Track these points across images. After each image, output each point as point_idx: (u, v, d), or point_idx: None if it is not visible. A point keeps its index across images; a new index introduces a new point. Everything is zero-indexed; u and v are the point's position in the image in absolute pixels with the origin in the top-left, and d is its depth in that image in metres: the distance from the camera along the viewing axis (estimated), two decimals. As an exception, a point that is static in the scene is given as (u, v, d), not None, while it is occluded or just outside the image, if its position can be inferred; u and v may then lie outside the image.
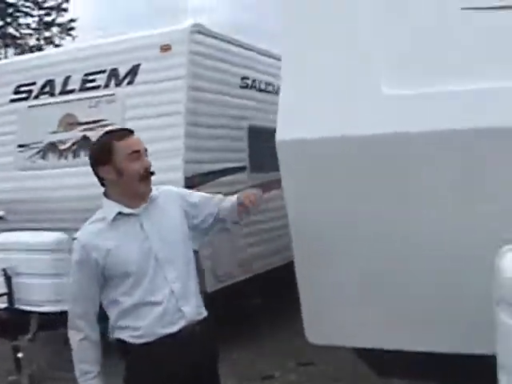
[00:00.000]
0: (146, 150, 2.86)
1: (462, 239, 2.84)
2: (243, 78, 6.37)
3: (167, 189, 3.04)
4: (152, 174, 2.85)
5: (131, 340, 2.77)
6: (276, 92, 6.49)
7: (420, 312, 3.02)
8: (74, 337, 2.83)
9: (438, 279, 2.94)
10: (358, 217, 3.05)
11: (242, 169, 6.19)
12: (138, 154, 2.80)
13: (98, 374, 2.82)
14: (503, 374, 2.32)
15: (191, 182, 5.31)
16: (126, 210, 2.80)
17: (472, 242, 2.82)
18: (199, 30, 5.69)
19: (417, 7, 2.97)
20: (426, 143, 2.86)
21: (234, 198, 3.10)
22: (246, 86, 6.42)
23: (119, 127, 3.46)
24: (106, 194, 2.88)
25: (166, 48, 5.58)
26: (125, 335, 2.79)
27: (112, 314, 2.83)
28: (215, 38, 5.92)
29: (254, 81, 6.55)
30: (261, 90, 6.69)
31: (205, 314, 2.94)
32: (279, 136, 3.11)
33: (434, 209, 2.89)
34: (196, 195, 3.16)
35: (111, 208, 2.81)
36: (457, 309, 2.91)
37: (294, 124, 3.10)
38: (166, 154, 5.28)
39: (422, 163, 2.90)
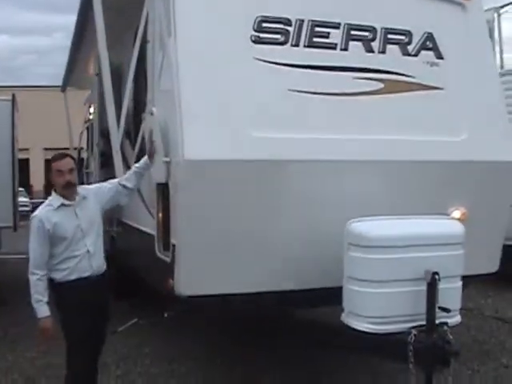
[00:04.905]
0: (71, 169, 4.62)
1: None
2: None
3: (89, 188, 5.01)
4: (73, 185, 4.63)
5: (59, 277, 4.54)
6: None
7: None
8: (32, 278, 4.47)
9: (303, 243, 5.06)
10: (235, 213, 4.95)
11: None
12: (61, 172, 4.56)
13: (46, 302, 4.45)
14: (346, 283, 4.77)
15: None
16: (66, 202, 4.62)
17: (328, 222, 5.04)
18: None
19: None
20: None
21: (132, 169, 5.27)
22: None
23: (61, 152, 4.89)
24: (55, 190, 4.66)
25: None
26: (56, 275, 4.55)
27: (50, 262, 4.53)
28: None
29: None
30: None
31: (105, 268, 4.82)
32: (187, 156, 4.82)
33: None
34: (103, 185, 5.14)
35: (57, 200, 4.62)
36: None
37: (199, 148, 4.88)
38: None
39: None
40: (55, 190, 4.65)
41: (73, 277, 4.54)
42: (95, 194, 4.86)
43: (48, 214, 4.54)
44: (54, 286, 4.57)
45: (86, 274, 4.59)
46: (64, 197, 4.61)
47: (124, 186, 5.10)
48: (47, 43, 67.25)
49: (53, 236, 4.49)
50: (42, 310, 4.45)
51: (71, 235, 4.54)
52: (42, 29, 75.47)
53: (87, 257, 4.60)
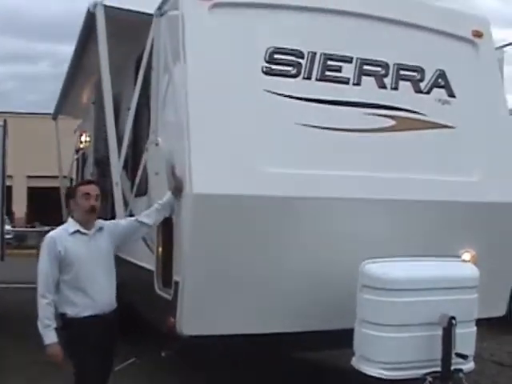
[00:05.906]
0: (97, 195, 4.50)
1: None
2: None
3: (106, 222, 4.70)
4: (96, 211, 4.48)
5: (72, 313, 4.33)
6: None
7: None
8: (41, 301, 4.28)
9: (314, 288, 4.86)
10: (244, 251, 4.76)
11: None
12: (88, 195, 4.46)
13: (53, 328, 4.28)
14: (359, 326, 4.56)
15: None
16: (82, 230, 4.45)
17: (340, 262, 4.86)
18: None
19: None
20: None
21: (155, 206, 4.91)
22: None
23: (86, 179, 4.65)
24: (72, 216, 4.55)
25: None
26: (68, 309, 4.33)
27: (61, 292, 4.34)
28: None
29: None
30: None
31: (116, 305, 4.57)
32: (195, 190, 4.62)
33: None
34: (120, 221, 5.00)
35: (73, 226, 4.47)
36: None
37: (208, 182, 4.68)
38: None
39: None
40: (72, 217, 4.55)
41: (86, 313, 4.35)
42: (111, 229, 4.66)
43: (62, 235, 4.42)
44: (65, 322, 4.37)
45: (99, 311, 4.40)
46: (81, 224, 4.46)
47: (142, 223, 4.84)
48: (32, 70, 67.27)
49: (63, 260, 4.34)
50: (50, 336, 4.28)
51: (81, 263, 4.37)
52: (26, 56, 75.35)
53: (100, 293, 4.42)
